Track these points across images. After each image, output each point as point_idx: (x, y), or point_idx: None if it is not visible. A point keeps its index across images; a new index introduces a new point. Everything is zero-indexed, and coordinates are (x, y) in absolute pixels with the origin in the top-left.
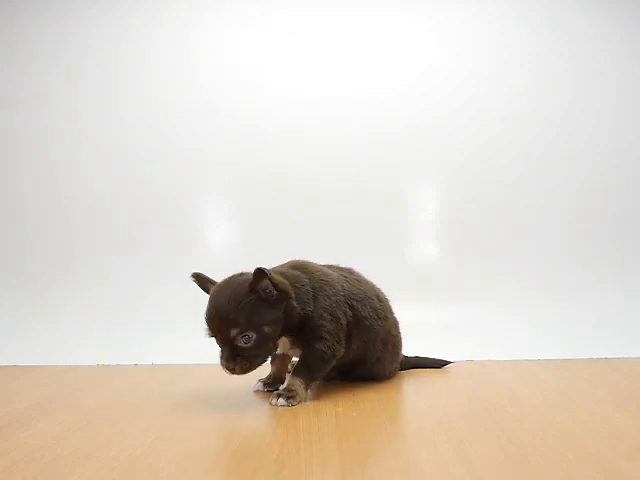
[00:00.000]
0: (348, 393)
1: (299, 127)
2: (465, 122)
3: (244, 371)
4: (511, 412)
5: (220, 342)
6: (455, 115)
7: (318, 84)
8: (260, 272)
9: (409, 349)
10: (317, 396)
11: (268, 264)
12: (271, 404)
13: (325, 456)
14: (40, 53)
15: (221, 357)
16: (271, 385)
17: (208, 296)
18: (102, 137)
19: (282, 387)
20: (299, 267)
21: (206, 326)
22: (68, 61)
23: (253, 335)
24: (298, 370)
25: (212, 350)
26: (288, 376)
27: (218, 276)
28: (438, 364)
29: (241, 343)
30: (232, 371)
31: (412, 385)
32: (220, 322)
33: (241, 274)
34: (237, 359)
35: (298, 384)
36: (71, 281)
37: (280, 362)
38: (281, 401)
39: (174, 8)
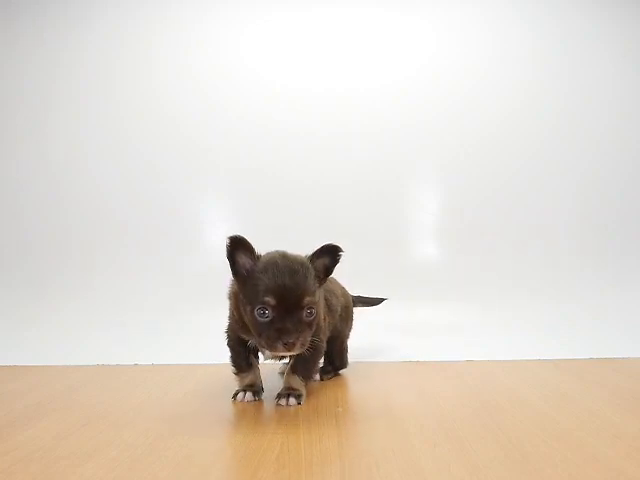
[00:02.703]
0: (348, 393)
1: (299, 127)
2: (466, 123)
3: (300, 347)
4: (511, 412)
5: (284, 311)
6: (455, 116)
7: (318, 84)
8: (334, 248)
9: (409, 348)
10: (317, 396)
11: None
12: (281, 404)
13: (325, 456)
14: (40, 53)
15: (275, 331)
16: (259, 394)
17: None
18: (102, 140)
19: (283, 387)
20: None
21: (271, 293)
22: (68, 61)
23: (314, 310)
24: (296, 369)
25: (212, 350)
26: (285, 376)
27: (217, 276)
28: (375, 302)
29: (304, 316)
30: (290, 346)
31: (412, 385)
32: (296, 287)
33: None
34: (299, 333)
35: (299, 382)
36: (71, 281)
37: (256, 369)
38: (292, 401)
39: (174, 8)
